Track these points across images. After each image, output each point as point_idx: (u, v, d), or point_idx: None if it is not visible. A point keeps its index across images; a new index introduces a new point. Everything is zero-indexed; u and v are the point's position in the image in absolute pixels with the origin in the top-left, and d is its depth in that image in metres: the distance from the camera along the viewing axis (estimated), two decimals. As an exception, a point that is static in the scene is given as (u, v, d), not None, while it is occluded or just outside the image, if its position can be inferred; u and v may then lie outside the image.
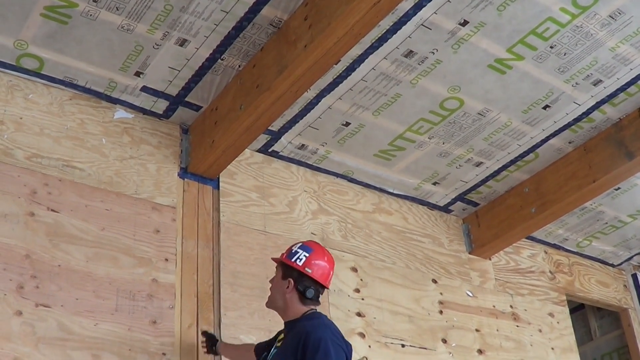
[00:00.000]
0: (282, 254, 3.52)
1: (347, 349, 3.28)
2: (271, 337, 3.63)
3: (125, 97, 4.21)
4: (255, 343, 3.77)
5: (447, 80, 4.30)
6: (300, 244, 3.54)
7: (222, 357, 3.89)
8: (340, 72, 4.17)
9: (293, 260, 3.44)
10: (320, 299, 3.48)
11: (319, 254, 3.50)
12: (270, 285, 3.53)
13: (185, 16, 3.73)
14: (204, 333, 3.92)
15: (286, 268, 3.46)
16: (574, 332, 5.93)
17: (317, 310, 3.44)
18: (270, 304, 3.53)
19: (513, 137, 4.85)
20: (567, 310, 5.99)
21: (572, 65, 4.28)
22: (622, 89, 4.51)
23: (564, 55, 4.20)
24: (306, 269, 3.42)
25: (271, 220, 4.56)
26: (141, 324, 3.78)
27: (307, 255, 3.47)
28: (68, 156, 3.95)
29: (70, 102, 4.10)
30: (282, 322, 3.47)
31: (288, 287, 3.41)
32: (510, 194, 5.42)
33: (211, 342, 3.88)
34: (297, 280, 3.41)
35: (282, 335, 3.44)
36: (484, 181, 5.31)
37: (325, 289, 3.50)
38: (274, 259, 3.59)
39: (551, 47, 4.14)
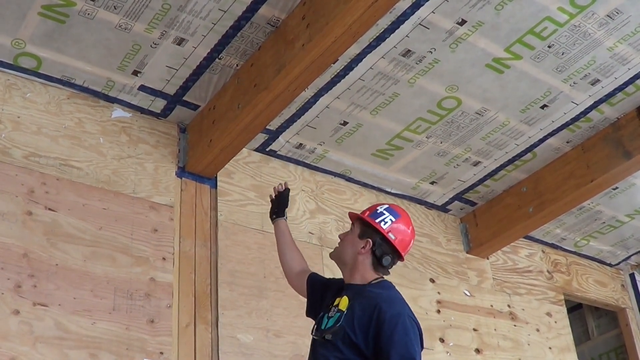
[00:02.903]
0: (365, 211, 3.30)
1: (420, 331, 3.07)
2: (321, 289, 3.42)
3: (123, 96, 4.21)
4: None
5: (445, 79, 4.30)
6: (387, 205, 3.33)
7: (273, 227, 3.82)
8: (338, 71, 4.17)
9: (377, 220, 3.22)
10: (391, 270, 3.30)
11: (406, 221, 3.29)
12: (340, 239, 3.33)
13: (183, 15, 3.73)
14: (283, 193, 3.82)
15: (366, 227, 3.23)
16: (572, 331, 5.94)
17: (387, 280, 3.24)
18: (336, 256, 3.31)
19: (511, 137, 4.85)
20: (564, 309, 5.99)
21: (570, 65, 4.28)
22: (620, 88, 4.51)
23: (562, 54, 4.20)
24: (390, 234, 3.19)
25: (269, 220, 4.53)
26: (139, 323, 3.78)
27: (393, 219, 3.24)
28: (66, 155, 3.95)
29: (68, 101, 4.09)
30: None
31: (364, 247, 3.20)
32: (508, 193, 5.43)
33: (280, 201, 3.80)
34: (375, 243, 3.19)
35: (343, 299, 3.15)
36: (481, 180, 5.31)
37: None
38: (351, 214, 3.36)
39: (549, 47, 4.14)
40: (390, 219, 3.24)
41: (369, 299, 3.06)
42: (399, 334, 2.92)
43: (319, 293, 3.38)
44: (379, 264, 3.21)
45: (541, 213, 5.18)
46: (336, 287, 3.31)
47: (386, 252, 3.21)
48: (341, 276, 3.34)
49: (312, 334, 3.20)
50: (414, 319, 3.04)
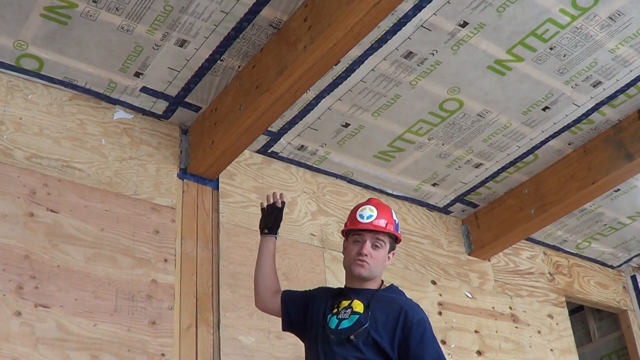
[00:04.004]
0: (387, 225, 3.28)
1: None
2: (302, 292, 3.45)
3: (125, 97, 4.21)
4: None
5: (447, 81, 4.30)
6: (391, 209, 3.38)
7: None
8: (340, 73, 4.17)
9: (399, 232, 3.35)
10: None
11: None
12: (368, 255, 3.23)
13: (185, 17, 3.73)
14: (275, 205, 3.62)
15: (392, 241, 3.33)
16: (573, 333, 5.93)
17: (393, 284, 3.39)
18: (369, 274, 3.23)
19: (512, 139, 4.85)
20: (566, 311, 5.99)
21: (572, 67, 4.28)
22: (622, 90, 4.51)
23: (564, 56, 4.20)
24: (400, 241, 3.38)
25: (270, 221, 4.55)
26: (140, 324, 3.78)
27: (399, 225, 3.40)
28: (67, 157, 3.95)
29: (70, 102, 4.10)
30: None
31: (388, 259, 3.32)
32: (509, 195, 5.42)
33: (276, 215, 3.61)
34: (395, 252, 3.36)
35: (356, 303, 3.18)
36: (483, 182, 5.31)
37: None
38: (379, 229, 3.26)
39: (551, 49, 4.14)
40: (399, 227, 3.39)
41: (390, 303, 3.16)
42: (428, 338, 3.06)
43: (300, 304, 3.39)
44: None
45: (543, 215, 5.18)
46: (330, 293, 3.35)
47: None
48: (331, 284, 3.38)
49: (314, 332, 3.22)
50: (427, 319, 3.17)
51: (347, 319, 3.14)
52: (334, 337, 3.13)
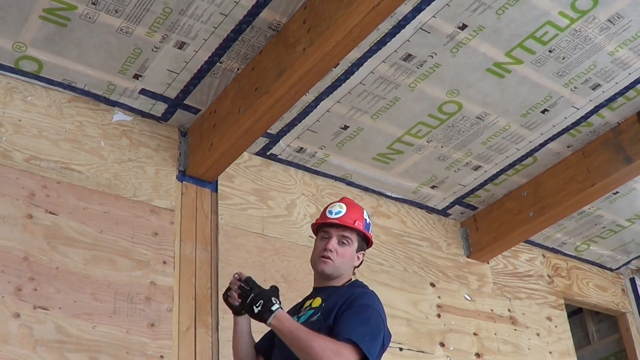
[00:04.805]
0: (356, 222, 3.20)
1: (388, 334, 3.01)
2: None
3: (124, 99, 4.21)
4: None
5: (446, 84, 4.30)
6: (364, 209, 3.30)
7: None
8: (339, 75, 4.17)
9: (370, 232, 3.26)
10: None
11: None
12: (333, 251, 3.14)
13: (184, 19, 3.73)
14: (246, 280, 3.06)
15: (362, 240, 3.24)
16: (572, 336, 5.93)
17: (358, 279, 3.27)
18: (334, 271, 3.14)
19: (511, 141, 4.85)
20: (565, 314, 5.99)
21: (571, 70, 4.29)
22: (621, 93, 4.52)
23: (563, 59, 4.21)
24: (373, 241, 3.31)
25: (269, 223, 4.56)
26: (139, 326, 3.77)
27: (371, 225, 3.31)
28: (66, 159, 3.95)
29: (69, 104, 4.10)
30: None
31: (358, 259, 3.23)
32: (508, 197, 5.42)
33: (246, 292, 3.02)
34: (364, 252, 3.27)
35: (315, 300, 3.12)
36: (482, 185, 5.31)
37: None
38: (346, 224, 3.18)
39: (550, 51, 4.14)
40: (371, 227, 3.32)
41: (346, 292, 3.07)
42: (361, 318, 2.90)
43: (269, 333, 3.19)
44: (357, 268, 3.32)
45: (541, 217, 5.18)
46: (301, 301, 3.25)
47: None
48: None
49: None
50: (383, 317, 3.00)
51: (305, 314, 3.07)
52: None
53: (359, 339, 2.83)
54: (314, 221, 4.71)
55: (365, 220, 3.26)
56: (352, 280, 3.23)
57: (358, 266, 3.30)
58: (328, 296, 3.08)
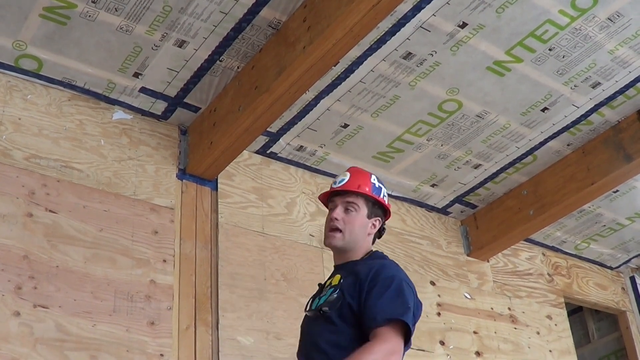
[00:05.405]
0: (361, 186, 3.06)
1: (418, 301, 2.89)
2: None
3: (124, 98, 4.21)
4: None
5: (446, 82, 4.30)
6: (374, 175, 3.14)
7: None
8: (339, 73, 4.17)
9: (382, 197, 3.08)
10: None
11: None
12: (339, 220, 3.03)
13: (184, 17, 3.73)
14: None
15: (372, 205, 3.07)
16: (572, 334, 5.93)
17: (378, 250, 3.09)
18: (345, 244, 3.02)
19: (511, 140, 4.85)
20: (565, 312, 5.99)
21: (571, 68, 4.29)
22: (621, 91, 4.51)
23: (563, 57, 4.20)
24: (390, 208, 3.12)
25: (269, 222, 4.56)
26: (139, 325, 3.77)
27: (385, 190, 3.12)
28: (66, 157, 3.95)
29: (69, 103, 4.10)
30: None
31: (374, 227, 3.07)
32: (508, 196, 5.42)
33: None
34: (382, 220, 3.09)
35: (335, 277, 2.98)
36: (482, 183, 5.31)
37: None
38: (349, 189, 3.07)
39: (550, 50, 4.14)
40: (385, 191, 3.15)
41: (364, 266, 2.92)
42: (391, 293, 2.78)
43: None
44: (377, 238, 3.15)
45: (542, 216, 5.18)
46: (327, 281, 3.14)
47: (384, 225, 3.15)
48: None
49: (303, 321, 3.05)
50: (410, 284, 2.89)
51: (325, 294, 2.94)
52: (310, 315, 2.96)
53: (395, 314, 2.73)
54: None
55: (374, 184, 3.10)
56: (372, 251, 3.08)
57: (379, 236, 3.15)
58: (347, 272, 2.95)
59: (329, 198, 3.17)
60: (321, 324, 2.88)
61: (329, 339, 2.84)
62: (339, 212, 3.05)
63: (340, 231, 3.03)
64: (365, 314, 2.77)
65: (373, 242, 3.14)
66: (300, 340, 3.06)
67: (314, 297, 3.05)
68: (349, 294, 2.84)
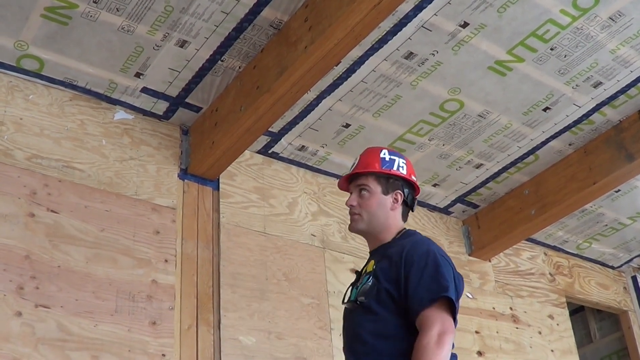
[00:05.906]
0: (369, 166, 3.02)
1: (458, 275, 2.82)
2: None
3: (126, 98, 4.21)
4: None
5: (448, 82, 4.30)
6: (385, 149, 3.07)
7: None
8: (341, 73, 4.17)
9: (395, 169, 3.00)
10: None
11: (406, 158, 3.10)
12: (355, 206, 3.00)
13: (185, 17, 3.73)
14: None
15: (386, 180, 3.00)
16: (574, 334, 5.93)
17: (410, 229, 3.01)
18: (367, 227, 3.00)
19: (513, 139, 4.85)
20: (566, 312, 5.99)
21: (573, 67, 4.28)
22: (623, 91, 4.51)
23: (564, 57, 4.20)
24: (412, 176, 3.01)
25: (271, 222, 4.56)
26: (141, 325, 3.78)
27: (404, 161, 3.04)
28: (68, 157, 3.95)
29: (71, 103, 4.10)
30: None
31: (396, 201, 2.99)
32: (510, 195, 5.42)
33: None
34: (404, 192, 2.99)
35: (369, 264, 2.94)
36: (484, 183, 5.31)
37: None
38: (354, 172, 3.05)
39: (551, 49, 4.14)
40: (403, 162, 3.06)
41: (396, 247, 2.86)
42: (429, 272, 2.71)
43: None
44: (411, 211, 3.08)
45: (543, 215, 5.17)
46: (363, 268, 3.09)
47: (413, 196, 3.07)
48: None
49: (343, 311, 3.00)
50: (446, 257, 2.83)
51: (362, 282, 2.87)
52: (348, 307, 2.91)
53: (436, 293, 2.67)
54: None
55: (383, 158, 3.04)
56: (403, 230, 3.01)
57: (410, 209, 3.08)
58: (380, 256, 2.91)
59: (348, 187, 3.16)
60: (361, 315, 2.82)
61: (371, 329, 2.77)
62: (353, 198, 3.04)
63: (359, 214, 3.01)
64: (410, 303, 2.71)
65: (405, 217, 3.07)
66: (343, 335, 3.00)
67: (352, 286, 2.99)
68: (385, 278, 2.79)
